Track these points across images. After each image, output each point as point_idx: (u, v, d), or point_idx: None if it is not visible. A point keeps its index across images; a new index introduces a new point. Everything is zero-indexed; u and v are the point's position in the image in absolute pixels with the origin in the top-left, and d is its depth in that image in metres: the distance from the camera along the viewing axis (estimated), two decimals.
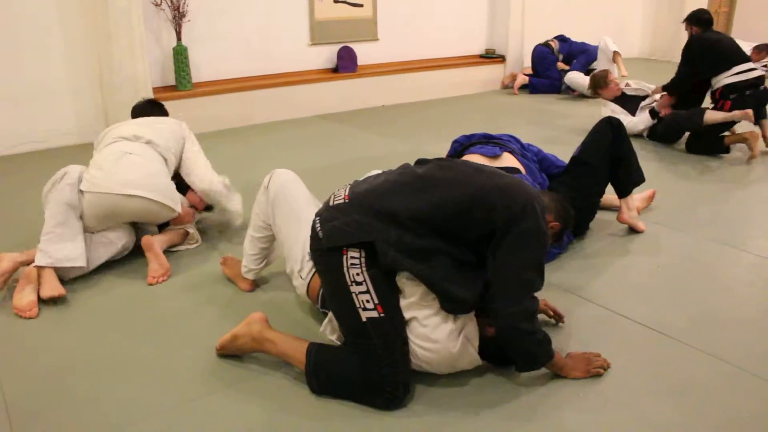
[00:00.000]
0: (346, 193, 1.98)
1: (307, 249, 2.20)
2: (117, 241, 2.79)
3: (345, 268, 1.85)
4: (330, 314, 2.04)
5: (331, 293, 1.95)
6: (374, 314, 1.84)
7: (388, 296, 1.87)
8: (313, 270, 2.20)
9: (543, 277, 1.91)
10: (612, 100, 5.07)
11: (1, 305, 2.49)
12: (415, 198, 1.88)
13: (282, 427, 1.81)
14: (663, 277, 2.73)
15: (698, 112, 4.53)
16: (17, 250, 2.69)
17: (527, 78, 6.94)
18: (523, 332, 1.85)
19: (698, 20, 4.76)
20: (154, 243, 2.75)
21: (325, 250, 1.90)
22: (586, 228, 3.13)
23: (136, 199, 2.65)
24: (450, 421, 1.82)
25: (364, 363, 1.86)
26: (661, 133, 4.79)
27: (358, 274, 1.84)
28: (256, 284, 2.61)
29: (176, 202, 2.80)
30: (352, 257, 1.85)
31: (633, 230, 3.16)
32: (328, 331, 2.05)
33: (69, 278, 2.63)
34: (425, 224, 1.85)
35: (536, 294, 1.90)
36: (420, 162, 2.06)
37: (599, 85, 5.12)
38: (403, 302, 1.92)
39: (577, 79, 6.63)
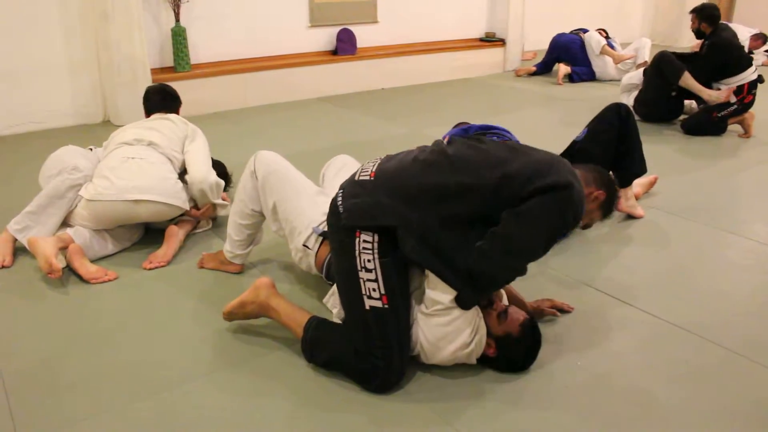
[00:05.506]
0: (373, 170, 1.89)
1: (312, 218, 2.19)
2: (130, 236, 2.84)
3: (357, 252, 1.79)
4: (334, 287, 2.02)
5: (339, 272, 1.90)
6: (378, 304, 1.79)
7: (397, 287, 1.81)
8: (321, 240, 2.18)
9: (543, 252, 1.78)
10: None
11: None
12: (444, 179, 1.78)
13: (276, 411, 1.82)
14: (662, 263, 2.73)
15: (681, 69, 4.59)
16: None
17: (569, 68, 6.80)
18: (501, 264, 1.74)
19: (711, 18, 4.78)
20: (178, 234, 2.79)
21: (341, 227, 1.83)
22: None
23: (144, 203, 2.65)
24: (448, 397, 1.83)
25: (359, 350, 1.84)
26: (652, 64, 4.82)
27: (369, 261, 1.79)
28: (244, 267, 2.60)
29: (184, 201, 2.80)
30: (364, 241, 1.79)
31: (632, 216, 3.16)
32: (330, 304, 2.04)
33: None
34: (451, 207, 1.75)
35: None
36: (450, 141, 1.95)
37: None
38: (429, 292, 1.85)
39: (596, 37, 6.75)
